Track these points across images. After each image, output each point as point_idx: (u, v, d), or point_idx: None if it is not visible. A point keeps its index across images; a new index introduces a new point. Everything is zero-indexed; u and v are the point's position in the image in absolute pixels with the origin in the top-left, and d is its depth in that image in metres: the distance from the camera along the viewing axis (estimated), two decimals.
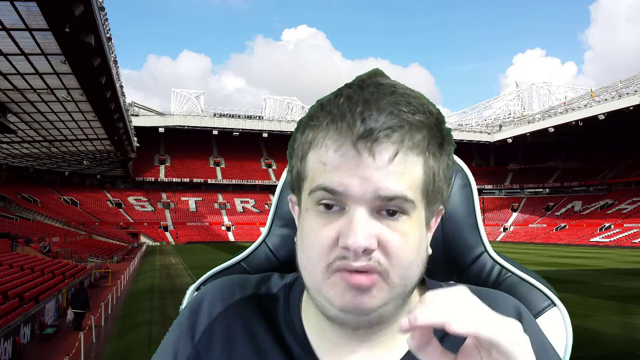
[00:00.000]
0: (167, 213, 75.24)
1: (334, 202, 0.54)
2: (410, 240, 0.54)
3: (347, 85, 0.56)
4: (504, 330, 0.41)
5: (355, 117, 0.52)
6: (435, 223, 0.61)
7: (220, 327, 0.65)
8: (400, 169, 0.52)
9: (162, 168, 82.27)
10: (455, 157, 0.76)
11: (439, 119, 0.55)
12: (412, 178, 0.53)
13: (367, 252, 0.52)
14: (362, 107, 0.52)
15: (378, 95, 0.53)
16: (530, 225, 75.44)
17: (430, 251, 0.59)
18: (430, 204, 0.57)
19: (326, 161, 0.53)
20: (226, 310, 0.66)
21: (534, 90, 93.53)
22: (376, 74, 0.57)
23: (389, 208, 0.53)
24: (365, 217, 0.52)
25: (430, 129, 0.54)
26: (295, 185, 0.60)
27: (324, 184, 0.53)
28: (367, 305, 0.54)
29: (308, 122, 0.57)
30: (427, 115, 0.54)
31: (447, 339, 0.49)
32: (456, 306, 0.41)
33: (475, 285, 0.66)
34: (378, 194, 0.52)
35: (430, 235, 0.60)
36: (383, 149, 0.52)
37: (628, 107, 56.35)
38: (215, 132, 77.79)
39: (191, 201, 79.84)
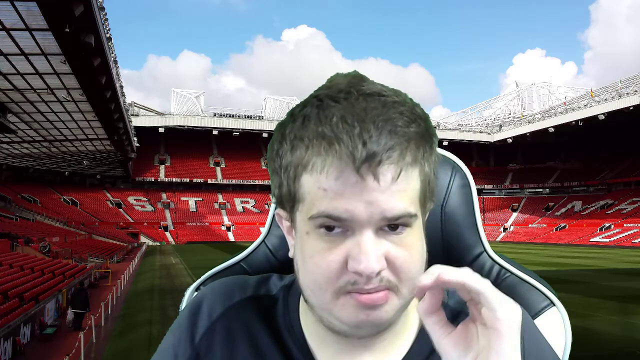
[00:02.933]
0: (167, 213, 75.25)
1: (336, 225, 0.53)
2: (415, 251, 0.54)
3: (331, 98, 0.53)
4: (491, 285, 0.46)
5: (355, 142, 0.50)
6: (425, 218, 0.61)
7: (221, 329, 0.65)
8: (402, 187, 0.52)
9: (162, 168, 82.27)
10: (455, 157, 0.78)
11: (426, 121, 0.55)
12: (413, 192, 0.53)
13: (378, 273, 0.52)
14: (359, 128, 0.50)
15: (370, 111, 0.51)
16: (530, 225, 75.45)
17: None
18: (426, 206, 0.58)
19: (327, 187, 0.51)
20: (226, 312, 0.66)
21: (534, 90, 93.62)
22: (355, 77, 0.56)
23: (392, 224, 0.53)
24: (372, 238, 0.52)
25: (422, 135, 0.53)
26: (287, 203, 0.58)
27: (327, 211, 0.52)
28: (382, 320, 0.54)
29: (297, 141, 0.54)
30: (419, 122, 0.53)
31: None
32: (449, 267, 0.47)
33: None
34: (384, 215, 0.51)
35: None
36: (386, 170, 0.51)
37: (628, 107, 56.38)
38: (215, 132, 77.84)
39: (191, 201, 79.85)
